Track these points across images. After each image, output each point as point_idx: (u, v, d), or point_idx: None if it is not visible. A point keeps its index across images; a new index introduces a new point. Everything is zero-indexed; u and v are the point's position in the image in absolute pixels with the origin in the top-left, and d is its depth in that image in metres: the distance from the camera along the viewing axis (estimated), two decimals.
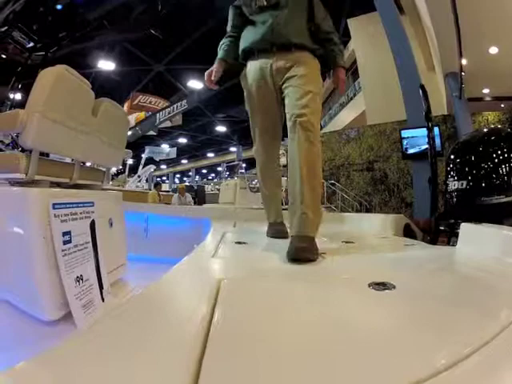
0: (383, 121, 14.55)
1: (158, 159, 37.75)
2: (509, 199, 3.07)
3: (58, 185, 2.75)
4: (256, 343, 0.96)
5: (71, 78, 2.65)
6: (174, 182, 56.97)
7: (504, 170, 3.16)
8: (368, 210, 13.97)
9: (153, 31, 19.03)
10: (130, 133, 23.57)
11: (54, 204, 2.30)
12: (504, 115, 13.74)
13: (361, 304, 1.31)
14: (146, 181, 29.17)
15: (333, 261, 2.10)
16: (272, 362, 0.85)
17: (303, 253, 2.03)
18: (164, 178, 62.81)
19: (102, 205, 3.04)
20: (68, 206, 2.48)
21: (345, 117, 22.30)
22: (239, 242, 2.65)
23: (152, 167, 26.94)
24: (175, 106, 24.80)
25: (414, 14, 13.26)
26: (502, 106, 14.75)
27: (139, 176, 23.91)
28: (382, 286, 1.40)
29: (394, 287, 1.39)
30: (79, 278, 2.50)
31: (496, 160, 3.21)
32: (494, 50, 12.09)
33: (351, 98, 21.61)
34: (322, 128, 25.39)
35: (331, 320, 1.15)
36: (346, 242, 2.71)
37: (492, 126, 11.34)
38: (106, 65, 24.18)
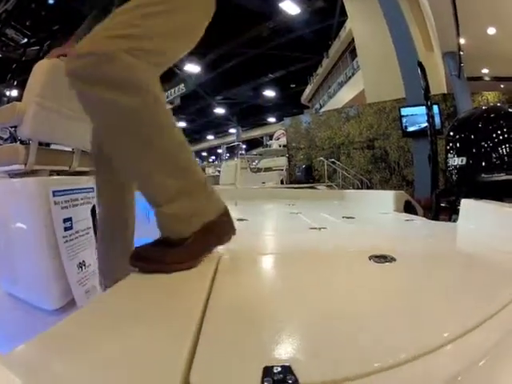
0: (382, 99, 14.49)
1: None
2: (509, 177, 3.07)
3: (58, 173, 2.75)
4: (254, 316, 0.98)
5: None
6: None
7: (504, 148, 3.15)
8: (369, 188, 13.90)
9: None
10: None
11: (53, 191, 2.30)
12: (504, 96, 13.67)
13: (362, 275, 1.33)
14: None
15: (333, 235, 2.12)
16: (271, 331, 0.88)
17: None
18: None
19: None
20: (68, 192, 2.48)
21: (344, 95, 22.25)
22: (241, 219, 2.66)
23: None
24: (173, 90, 24.75)
25: None
26: (502, 86, 14.72)
27: None
28: (382, 258, 1.41)
29: (395, 260, 1.40)
30: (81, 264, 2.52)
31: (495, 138, 3.21)
32: (491, 31, 12.05)
33: (349, 77, 21.58)
34: (321, 107, 25.28)
35: (333, 291, 1.18)
36: (347, 218, 2.72)
37: (491, 104, 11.32)
38: None
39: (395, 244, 1.92)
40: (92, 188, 2.76)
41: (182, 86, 24.69)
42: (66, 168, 2.79)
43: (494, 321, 0.86)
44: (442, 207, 3.84)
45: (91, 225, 2.73)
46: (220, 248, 1.61)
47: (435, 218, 3.61)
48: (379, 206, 3.42)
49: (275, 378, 0.64)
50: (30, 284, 2.29)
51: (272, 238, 2.21)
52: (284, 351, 0.79)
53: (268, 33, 22.72)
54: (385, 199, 3.48)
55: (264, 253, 1.82)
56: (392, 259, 1.41)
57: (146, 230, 4.05)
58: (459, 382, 0.63)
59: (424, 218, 2.86)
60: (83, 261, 2.55)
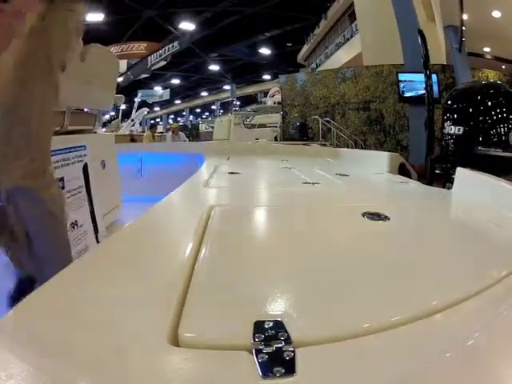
0: (380, 63, 14.36)
1: (151, 102, 37.55)
2: (506, 154, 3.07)
3: None
4: (245, 270, 0.98)
5: None
6: (168, 123, 56.80)
7: (502, 126, 3.16)
8: (363, 149, 13.96)
9: None
10: (121, 78, 23.38)
11: None
12: (505, 76, 13.65)
13: (356, 231, 1.33)
14: (140, 124, 28.98)
15: (327, 190, 2.12)
16: (262, 286, 0.87)
17: None
18: (158, 120, 62.52)
19: (94, 147, 3.02)
20: (59, 152, 2.45)
21: (341, 57, 22.13)
22: (232, 173, 2.66)
23: (145, 110, 26.77)
24: (167, 47, 24.62)
25: None
26: (503, 67, 14.65)
27: (133, 120, 23.78)
28: (376, 216, 1.40)
29: (388, 219, 1.40)
30: (74, 224, 2.51)
31: (494, 114, 3.21)
32: (496, 14, 11.98)
33: (347, 39, 21.40)
34: (317, 67, 25.13)
35: (327, 246, 1.18)
36: (341, 175, 2.71)
37: (491, 80, 11.29)
38: (94, 16, 23.48)
39: (389, 204, 1.92)
40: (84, 146, 2.75)
41: (175, 43, 24.53)
42: (58, 128, 2.73)
43: (486, 294, 0.84)
44: (436, 174, 3.84)
45: (83, 183, 2.72)
46: (212, 199, 1.63)
47: (429, 183, 3.61)
48: (373, 166, 3.38)
49: (266, 334, 0.63)
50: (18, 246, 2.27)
51: (265, 190, 2.22)
52: (276, 306, 0.76)
53: None
54: (379, 160, 3.43)
55: (257, 205, 1.81)
56: (386, 217, 1.40)
57: (137, 187, 4.05)
58: (450, 349, 0.63)
59: (418, 182, 2.85)
60: (75, 220, 2.54)
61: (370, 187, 2.49)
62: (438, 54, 13.06)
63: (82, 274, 0.96)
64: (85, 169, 2.75)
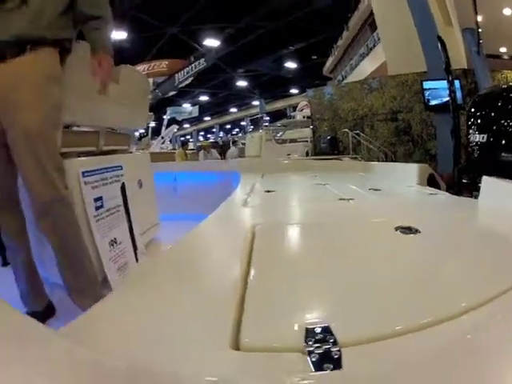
0: (404, 71, 14.17)
1: (180, 119, 37.77)
2: None
3: (86, 154, 2.77)
4: (292, 282, 1.08)
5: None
6: (199, 140, 57.01)
7: None
8: (393, 161, 13.79)
9: None
10: (149, 96, 23.56)
11: (83, 172, 2.35)
12: None
13: (389, 245, 1.41)
14: (170, 141, 29.18)
15: (361, 206, 2.17)
16: (309, 295, 1.00)
17: None
18: (188, 137, 62.89)
19: (131, 167, 3.08)
20: (97, 172, 2.52)
21: (366, 67, 21.79)
22: (268, 191, 2.73)
23: (175, 127, 26.97)
24: (193, 65, 24.77)
25: None
26: None
27: (163, 137, 24.00)
28: (407, 230, 1.47)
29: (419, 232, 1.45)
30: (113, 242, 2.58)
31: None
32: (507, 12, 11.82)
33: (371, 49, 21.11)
34: (343, 79, 25.03)
35: (364, 258, 1.26)
36: (374, 190, 2.76)
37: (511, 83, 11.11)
38: (117, 35, 23.75)
39: (420, 217, 1.96)
40: (120, 166, 2.82)
41: (202, 60, 24.71)
42: (94, 149, 2.81)
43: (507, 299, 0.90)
44: (463, 183, 3.83)
45: (121, 202, 2.79)
46: (253, 218, 1.70)
47: (457, 193, 3.60)
48: (403, 178, 3.43)
49: (316, 338, 0.72)
50: None
51: (302, 208, 2.29)
52: (322, 313, 0.90)
53: (286, 6, 22.49)
54: (409, 172, 3.49)
55: (297, 222, 1.91)
56: (416, 231, 1.46)
57: (173, 205, 4.11)
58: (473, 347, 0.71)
59: (447, 193, 2.87)
60: (115, 238, 2.61)
61: (401, 201, 2.56)
62: (459, 58, 12.83)
63: (142, 287, 1.07)
64: (122, 188, 2.82)
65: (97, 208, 2.44)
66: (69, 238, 2.01)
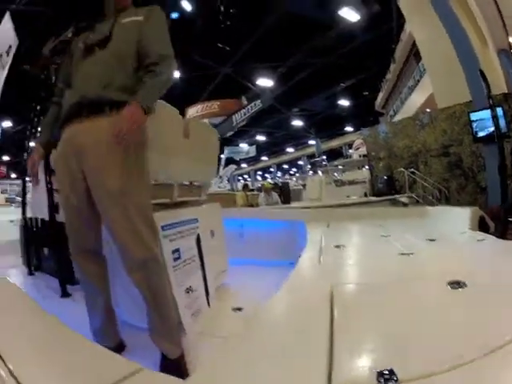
0: (452, 102, 13.86)
1: (238, 158, 38.13)
2: None
3: (161, 205, 2.91)
4: (366, 336, 1.37)
5: (165, 109, 2.77)
6: (256, 180, 57.32)
7: None
8: (447, 198, 13.58)
9: (219, 45, 18.94)
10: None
11: (162, 226, 2.51)
12: None
13: (441, 301, 1.62)
14: (228, 181, 29.48)
15: (419, 261, 2.35)
16: (375, 343, 1.33)
17: None
18: (246, 176, 63.27)
19: (205, 219, 3.24)
20: (175, 226, 2.69)
21: (415, 100, 21.27)
22: (338, 246, 2.83)
23: (233, 167, 27.22)
24: (250, 106, 25.02)
25: None
26: None
27: (221, 177, 24.30)
28: (456, 284, 1.65)
29: (466, 285, 1.63)
30: (189, 289, 2.72)
31: None
32: None
33: (418, 81, 20.65)
34: (395, 113, 24.80)
35: (418, 314, 1.49)
36: (430, 240, 2.90)
37: None
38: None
39: (468, 268, 2.10)
40: (196, 219, 2.97)
41: (258, 102, 24.98)
42: (168, 200, 2.95)
43: None
44: (509, 221, 3.83)
45: (196, 252, 2.94)
46: (328, 278, 1.87)
47: (503, 233, 3.62)
48: (456, 223, 3.58)
49: (385, 377, 1.02)
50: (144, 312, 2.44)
51: (370, 265, 2.40)
52: (388, 358, 1.15)
53: (332, 42, 22.55)
54: (461, 216, 3.69)
55: (366, 282, 2.04)
56: (464, 285, 1.63)
57: (239, 250, 4.24)
58: None
59: (494, 237, 2.94)
60: (190, 286, 2.75)
61: (453, 251, 2.68)
62: (498, 82, 12.46)
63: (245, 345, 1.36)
64: (198, 239, 2.98)
65: (175, 259, 2.59)
66: (159, 289, 2.14)
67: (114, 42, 2.21)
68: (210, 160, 3.72)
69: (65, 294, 3.50)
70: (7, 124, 28.53)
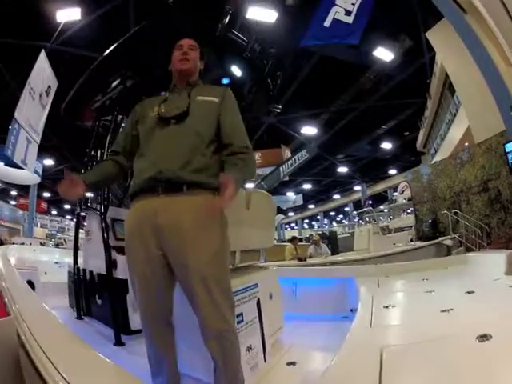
0: (488, 134, 13.63)
1: (285, 207, 38.08)
2: None
3: None
4: None
5: None
6: (303, 228, 57.04)
7: None
8: (488, 234, 13.39)
9: (271, 107, 19.12)
10: (252, 185, 24.01)
11: None
12: None
13: (471, 356, 1.65)
14: (276, 230, 29.47)
15: (457, 317, 2.40)
16: None
17: None
18: (293, 225, 63.07)
19: (264, 283, 3.47)
20: (239, 292, 2.95)
21: (454, 135, 20.13)
22: (386, 307, 2.92)
23: (280, 216, 27.15)
24: (296, 157, 25.16)
25: (474, 10, 12.26)
26: None
27: None
28: (484, 337, 1.66)
29: (492, 337, 1.65)
30: (249, 348, 2.98)
31: None
32: None
33: (454, 115, 19.72)
34: (436, 151, 24.32)
35: (451, 371, 1.55)
36: (469, 293, 2.94)
37: None
38: None
39: (496, 319, 2.13)
40: (256, 284, 3.25)
41: (304, 152, 25.13)
42: (230, 266, 3.03)
43: None
44: None
45: (257, 315, 3.20)
46: (380, 340, 2.10)
47: None
48: (492, 269, 3.71)
49: None
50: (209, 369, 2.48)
51: (415, 324, 2.49)
52: None
53: (371, 84, 22.44)
54: (497, 261, 3.75)
55: (414, 342, 2.07)
56: (490, 337, 1.66)
57: (292, 306, 4.44)
58: None
59: None
60: (250, 345, 3.01)
61: (489, 304, 2.68)
62: None
63: None
64: (258, 303, 3.23)
65: (238, 323, 2.79)
66: (233, 357, 2.27)
67: (191, 119, 2.31)
68: (268, 227, 3.97)
69: (119, 342, 3.77)
70: (49, 162, 29.53)
